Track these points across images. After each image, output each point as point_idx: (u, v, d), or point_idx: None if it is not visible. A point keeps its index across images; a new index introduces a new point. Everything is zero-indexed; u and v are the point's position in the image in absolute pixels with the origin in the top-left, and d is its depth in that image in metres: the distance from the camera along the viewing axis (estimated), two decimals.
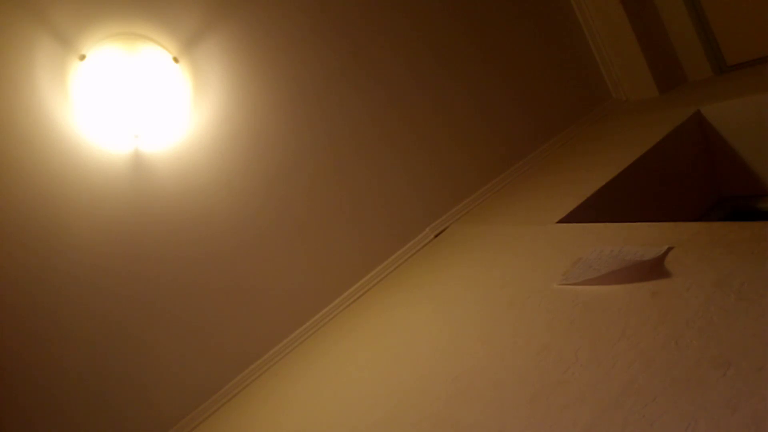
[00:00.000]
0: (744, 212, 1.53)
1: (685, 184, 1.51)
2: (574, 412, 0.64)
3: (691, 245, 0.84)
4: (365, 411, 0.97)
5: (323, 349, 1.42)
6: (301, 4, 1.62)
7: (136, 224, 1.43)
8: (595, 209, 1.31)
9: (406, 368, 1.02)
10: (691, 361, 0.61)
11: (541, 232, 1.24)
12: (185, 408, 1.47)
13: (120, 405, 1.40)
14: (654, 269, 0.82)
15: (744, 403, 0.52)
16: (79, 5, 1.34)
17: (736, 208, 1.55)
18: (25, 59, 1.29)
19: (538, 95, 1.98)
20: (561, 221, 1.26)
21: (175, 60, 1.44)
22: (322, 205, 1.65)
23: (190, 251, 1.50)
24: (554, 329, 0.83)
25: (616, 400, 0.62)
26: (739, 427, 0.50)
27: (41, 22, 1.30)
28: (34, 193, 1.32)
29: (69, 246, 1.36)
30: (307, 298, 1.62)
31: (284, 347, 1.58)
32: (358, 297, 1.65)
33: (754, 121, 1.40)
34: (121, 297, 1.41)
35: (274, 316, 1.58)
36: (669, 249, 0.85)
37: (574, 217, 1.28)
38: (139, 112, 1.36)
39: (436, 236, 1.76)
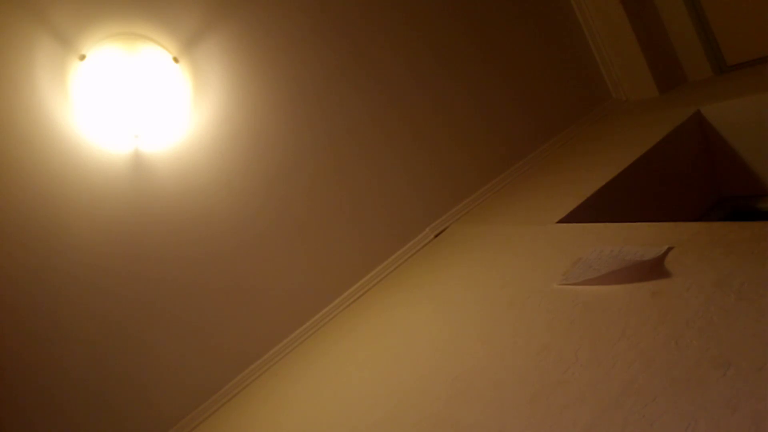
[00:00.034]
0: (744, 212, 1.53)
1: (685, 184, 1.51)
2: (574, 412, 0.64)
3: (691, 245, 0.84)
4: (365, 411, 0.97)
5: (323, 349, 1.42)
6: (301, 4, 1.62)
7: (136, 224, 1.43)
8: (595, 209, 1.31)
9: (406, 368, 1.02)
10: (691, 361, 0.61)
11: (541, 232, 1.24)
12: (185, 408, 1.47)
13: (120, 405, 1.40)
14: (654, 269, 0.82)
15: (744, 403, 0.52)
16: (79, 5, 1.34)
17: (736, 208, 1.55)
18: (25, 59, 1.29)
19: (538, 95, 1.98)
20: (561, 221, 1.26)
21: (175, 60, 1.44)
22: (322, 205, 1.65)
23: (190, 251, 1.50)
24: (554, 329, 0.83)
25: (616, 400, 0.62)
26: (739, 427, 0.50)
27: (41, 22, 1.30)
28: (34, 193, 1.32)
29: (69, 246, 1.36)
30: (307, 298, 1.62)
31: (284, 347, 1.58)
32: (358, 297, 1.65)
33: (754, 121, 1.40)
34: (121, 297, 1.41)
35: (274, 316, 1.58)
36: (669, 249, 0.85)
37: (574, 217, 1.28)
38: (139, 112, 1.36)
39: (436, 236, 1.76)
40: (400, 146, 1.76)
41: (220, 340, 1.52)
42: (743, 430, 0.49)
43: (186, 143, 1.49)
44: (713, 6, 1.73)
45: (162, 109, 1.40)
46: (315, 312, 1.63)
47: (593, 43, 2.05)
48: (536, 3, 2.00)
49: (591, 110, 2.06)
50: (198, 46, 1.48)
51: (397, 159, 1.75)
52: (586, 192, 1.34)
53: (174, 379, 1.46)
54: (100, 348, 1.39)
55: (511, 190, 1.78)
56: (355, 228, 1.69)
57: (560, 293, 0.92)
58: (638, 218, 1.18)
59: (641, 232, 0.97)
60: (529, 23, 1.98)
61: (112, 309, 1.40)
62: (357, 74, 1.70)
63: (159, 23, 1.43)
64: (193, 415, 1.47)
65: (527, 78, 1.97)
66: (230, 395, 1.50)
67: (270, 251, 1.59)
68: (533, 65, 1.98)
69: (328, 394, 1.14)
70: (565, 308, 0.87)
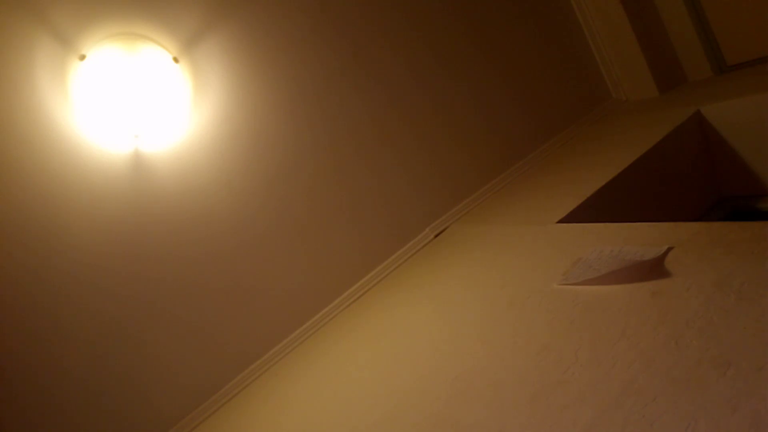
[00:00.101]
0: (744, 212, 1.53)
1: (685, 184, 1.51)
2: (574, 412, 0.64)
3: (691, 245, 0.84)
4: (365, 411, 0.97)
5: (323, 349, 1.42)
6: (301, 4, 1.62)
7: (136, 224, 1.43)
8: (595, 209, 1.31)
9: (406, 368, 1.02)
10: (691, 361, 0.61)
11: (541, 232, 1.24)
12: (185, 408, 1.47)
13: (120, 405, 1.40)
14: (654, 269, 0.82)
15: (744, 403, 0.52)
16: (79, 5, 1.34)
17: (736, 208, 1.55)
18: (25, 59, 1.29)
19: (538, 95, 1.98)
20: (561, 221, 1.26)
21: (175, 60, 1.44)
22: (322, 205, 1.65)
23: (190, 251, 1.50)
24: (554, 329, 0.83)
25: (616, 400, 0.62)
26: (739, 427, 0.50)
27: (41, 22, 1.30)
28: (34, 193, 1.32)
29: (69, 246, 1.36)
30: (307, 298, 1.62)
31: (284, 347, 1.58)
32: (358, 297, 1.65)
33: (754, 121, 1.40)
34: (121, 297, 1.41)
35: (274, 316, 1.58)
36: (669, 249, 0.85)
37: (574, 217, 1.28)
38: (139, 112, 1.36)
39: (436, 236, 1.76)
40: (400, 146, 1.76)
41: (220, 340, 1.52)
42: (743, 430, 0.49)
43: (186, 143, 1.49)
44: (713, 6, 1.73)
45: (162, 109, 1.40)
46: (315, 312, 1.63)
47: (593, 43, 2.05)
48: (536, 3, 2.00)
49: (591, 110, 2.06)
50: (198, 46, 1.48)
51: (397, 159, 1.75)
52: (586, 192, 1.34)
53: (174, 379, 1.46)
54: (99, 348, 1.39)
55: (511, 190, 1.78)
56: (355, 228, 1.69)
57: (560, 293, 0.92)
58: (638, 218, 1.18)
59: (641, 232, 0.97)
60: (529, 23, 1.98)
61: (112, 309, 1.40)
62: (357, 74, 1.70)
63: (159, 23, 1.43)
64: (193, 415, 1.47)
65: (527, 78, 1.97)
66: (230, 395, 1.50)
67: (270, 251, 1.59)
68: (533, 65, 1.98)
69: (328, 394, 1.14)
70: (565, 308, 0.87)
